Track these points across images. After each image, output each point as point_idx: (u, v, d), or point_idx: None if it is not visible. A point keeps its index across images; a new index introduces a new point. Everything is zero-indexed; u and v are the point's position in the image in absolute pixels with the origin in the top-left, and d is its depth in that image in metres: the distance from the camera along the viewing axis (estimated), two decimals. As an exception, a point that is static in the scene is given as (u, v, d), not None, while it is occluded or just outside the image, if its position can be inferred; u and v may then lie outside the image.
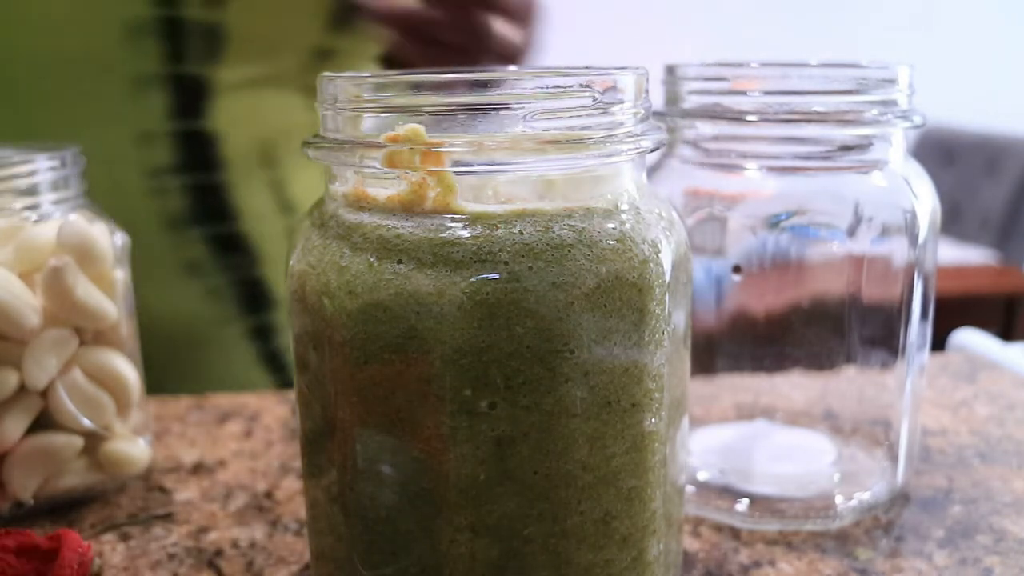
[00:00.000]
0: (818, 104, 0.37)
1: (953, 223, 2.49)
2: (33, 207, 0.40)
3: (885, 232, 0.38)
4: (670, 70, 0.40)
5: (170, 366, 0.62)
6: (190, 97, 0.59)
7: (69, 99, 0.58)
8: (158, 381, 0.61)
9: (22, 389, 0.39)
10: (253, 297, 0.64)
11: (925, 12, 2.62)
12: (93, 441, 0.41)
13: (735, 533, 0.39)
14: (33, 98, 0.58)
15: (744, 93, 0.38)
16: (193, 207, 0.60)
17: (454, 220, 0.27)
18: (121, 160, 0.59)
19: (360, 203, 0.29)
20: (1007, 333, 1.91)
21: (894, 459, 0.41)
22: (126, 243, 0.42)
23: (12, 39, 0.57)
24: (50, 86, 0.58)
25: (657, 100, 0.35)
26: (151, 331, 0.61)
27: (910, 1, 2.62)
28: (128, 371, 0.42)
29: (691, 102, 0.39)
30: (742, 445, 0.44)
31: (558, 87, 0.27)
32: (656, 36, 2.19)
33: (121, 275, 0.42)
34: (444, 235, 0.27)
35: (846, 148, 0.38)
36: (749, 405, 0.45)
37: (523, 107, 0.27)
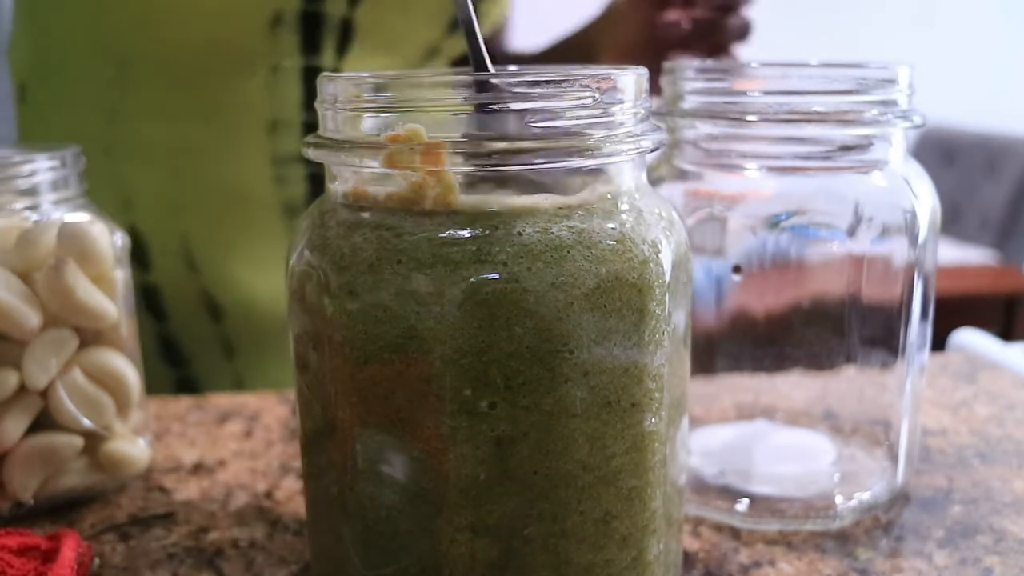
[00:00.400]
0: (818, 104, 0.37)
1: (953, 223, 2.48)
2: (33, 207, 0.40)
3: (885, 232, 0.38)
4: (670, 70, 0.40)
5: (262, 350, 0.64)
6: None
7: (209, 85, 0.59)
8: (249, 365, 0.63)
9: (22, 389, 0.39)
10: None
11: (925, 12, 2.62)
12: (93, 441, 0.41)
13: (735, 533, 0.39)
14: (173, 82, 0.59)
15: (744, 93, 0.38)
16: (310, 196, 0.62)
17: (454, 220, 0.27)
18: (251, 147, 0.60)
19: (360, 203, 0.29)
20: (1007, 333, 1.91)
21: (894, 459, 0.41)
22: (126, 243, 0.42)
23: (160, 24, 0.58)
24: (192, 71, 0.59)
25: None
26: (247, 315, 0.62)
27: (910, 1, 2.62)
28: (128, 371, 0.42)
29: (691, 102, 0.39)
30: (742, 445, 0.44)
31: (558, 87, 0.27)
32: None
33: (121, 275, 0.42)
34: (444, 235, 0.27)
35: (846, 148, 0.38)
36: (749, 405, 0.45)
37: (523, 107, 0.27)
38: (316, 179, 0.62)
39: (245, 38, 0.58)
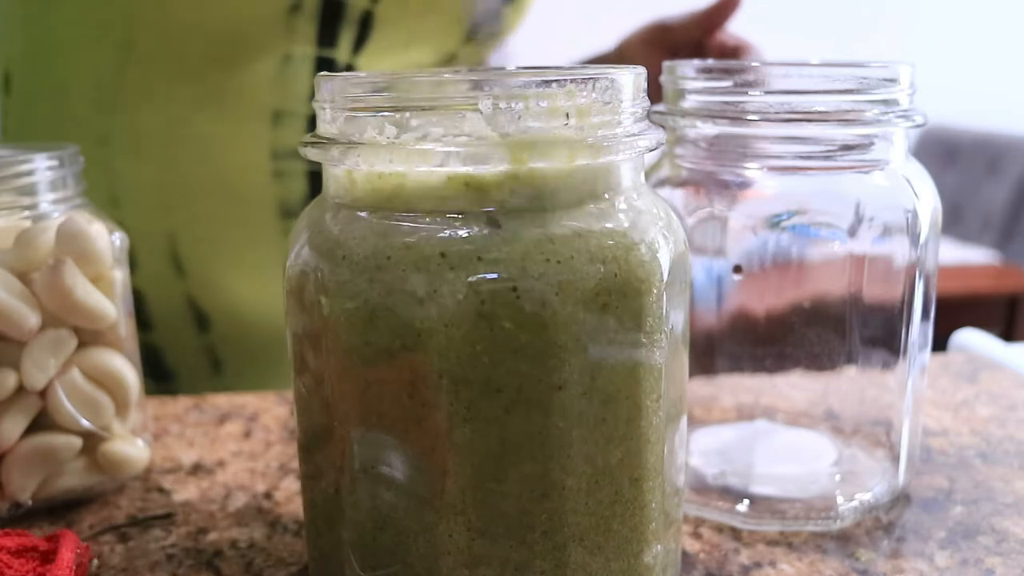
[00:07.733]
0: (819, 103, 0.37)
1: (954, 223, 2.48)
2: (32, 207, 0.40)
3: (886, 232, 0.38)
4: (670, 69, 0.40)
5: (251, 365, 0.61)
6: None
7: (215, 70, 0.57)
8: (237, 381, 0.60)
9: (21, 389, 0.39)
10: None
11: (926, 12, 2.62)
12: (92, 442, 0.41)
13: (736, 534, 0.39)
14: (177, 67, 0.57)
15: (745, 92, 0.38)
16: (308, 196, 0.60)
17: (453, 220, 0.27)
18: (251, 137, 0.58)
19: (358, 202, 0.29)
20: (1008, 333, 1.91)
21: (895, 459, 0.41)
22: (125, 243, 0.42)
23: (173, 5, 0.55)
24: (199, 56, 0.56)
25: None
26: (235, 325, 0.60)
27: (911, 1, 2.62)
28: (127, 371, 0.42)
29: (691, 102, 0.39)
30: (743, 445, 0.44)
31: (555, 87, 0.27)
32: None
33: (120, 275, 0.42)
34: (443, 235, 0.27)
35: (847, 147, 0.38)
36: (749, 405, 0.45)
37: (520, 106, 0.27)
38: (316, 177, 0.59)
39: (261, 23, 0.56)
